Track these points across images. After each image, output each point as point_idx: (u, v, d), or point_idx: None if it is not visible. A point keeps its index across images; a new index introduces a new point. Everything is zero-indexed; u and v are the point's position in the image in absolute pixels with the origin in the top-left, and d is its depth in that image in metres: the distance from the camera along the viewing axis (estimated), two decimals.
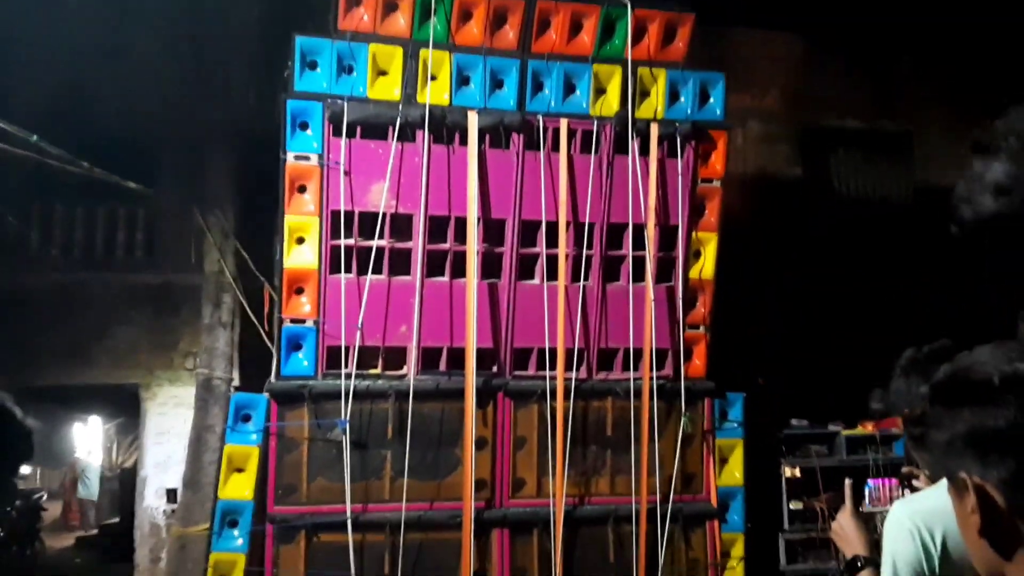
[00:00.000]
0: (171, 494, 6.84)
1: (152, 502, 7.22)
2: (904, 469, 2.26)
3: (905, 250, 7.91)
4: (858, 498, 2.18)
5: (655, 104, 5.61)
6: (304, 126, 5.21)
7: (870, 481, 5.79)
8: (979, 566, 1.06)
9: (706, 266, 5.76)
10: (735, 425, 5.81)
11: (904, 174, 8.66)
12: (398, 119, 5.20)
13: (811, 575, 6.14)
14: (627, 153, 5.53)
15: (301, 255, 5.20)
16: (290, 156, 5.19)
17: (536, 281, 5.53)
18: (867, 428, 6.36)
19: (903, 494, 2.29)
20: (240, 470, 5.10)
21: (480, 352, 5.32)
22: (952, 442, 1.05)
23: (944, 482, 1.91)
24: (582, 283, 5.55)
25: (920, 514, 1.88)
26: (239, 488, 5.08)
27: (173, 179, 7.16)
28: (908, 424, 1.92)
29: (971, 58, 7.96)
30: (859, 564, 2.01)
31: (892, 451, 6.16)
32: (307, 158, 5.20)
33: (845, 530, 2.08)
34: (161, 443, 7.29)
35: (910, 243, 7.97)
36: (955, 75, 8.17)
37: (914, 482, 2.20)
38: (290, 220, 5.20)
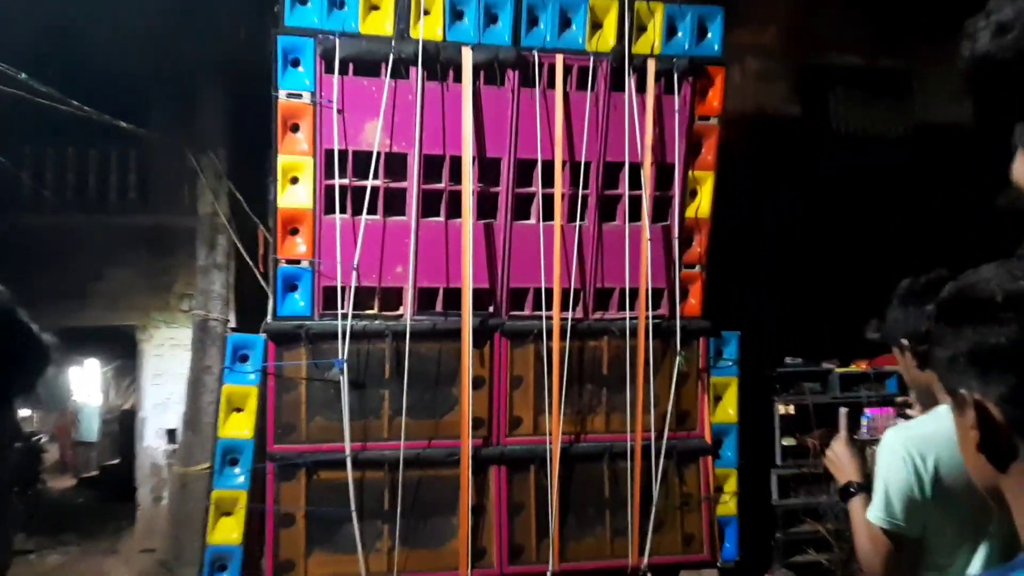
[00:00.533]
0: (171, 434, 6.91)
1: (152, 442, 7.29)
2: (899, 399, 2.29)
3: (903, 189, 7.88)
4: (854, 427, 2.21)
5: (652, 39, 5.52)
6: (296, 63, 5.12)
7: (867, 411, 5.87)
8: (976, 479, 1.09)
9: (702, 205, 5.74)
10: (730, 363, 5.85)
11: (904, 112, 8.58)
12: (391, 55, 5.12)
13: (802, 509, 6.26)
14: (624, 90, 5.46)
15: (295, 195, 5.16)
16: (282, 94, 5.11)
17: (532, 221, 5.51)
18: (860, 366, 6.43)
19: (898, 424, 2.32)
20: (239, 410, 5.15)
21: (476, 292, 5.33)
22: (955, 359, 1.06)
23: (937, 410, 1.94)
24: (578, 223, 5.53)
25: (913, 441, 1.90)
26: (238, 427, 5.12)
27: (165, 119, 7.07)
28: (913, 342, 1.93)
29: None
30: (852, 490, 2.04)
31: (885, 388, 6.23)
32: (299, 96, 5.13)
33: (839, 458, 2.11)
34: (159, 384, 7.33)
35: (909, 182, 7.94)
36: (956, 12, 8.04)
37: (908, 411, 2.23)
38: (283, 160, 5.15)
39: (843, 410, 2.20)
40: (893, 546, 1.89)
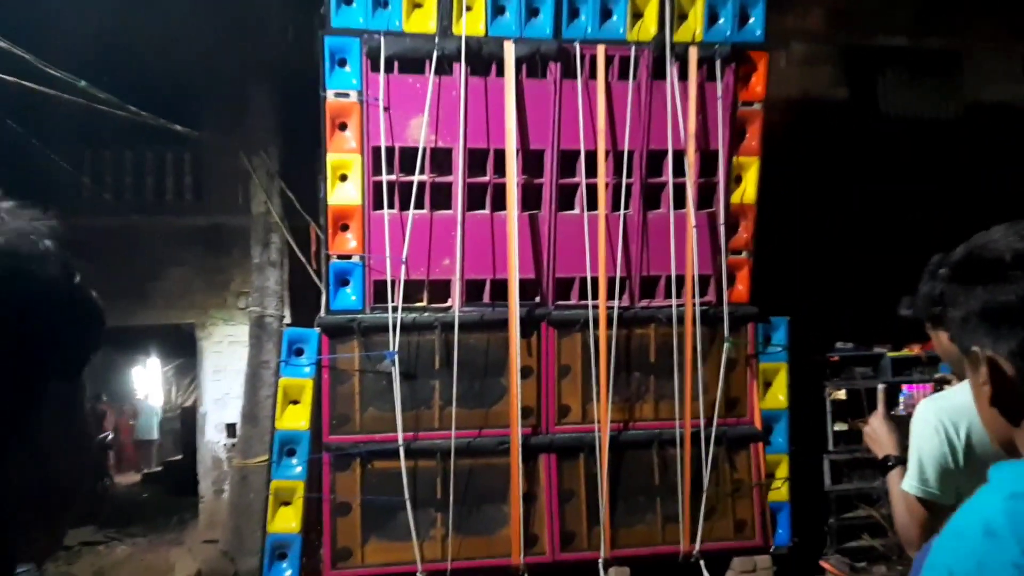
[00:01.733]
0: (230, 428, 7.10)
1: (213, 437, 7.51)
2: (937, 376, 2.31)
3: (954, 171, 7.75)
4: (892, 404, 2.24)
5: (693, 27, 5.53)
6: (343, 63, 5.24)
7: (905, 388, 5.81)
8: (991, 434, 1.13)
9: (748, 191, 5.73)
10: (779, 349, 5.83)
11: (953, 93, 8.42)
12: (435, 52, 5.21)
13: (856, 495, 6.22)
14: (665, 78, 5.48)
15: (345, 192, 5.29)
16: (330, 94, 5.24)
17: (576, 211, 5.55)
18: (913, 350, 6.35)
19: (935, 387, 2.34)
20: (295, 402, 5.29)
21: (523, 283, 5.40)
22: (967, 318, 1.10)
23: (968, 381, 1.96)
24: (622, 211, 5.56)
25: (945, 411, 1.93)
26: (295, 419, 5.27)
27: (217, 122, 7.27)
28: (927, 304, 1.96)
29: None
30: (889, 463, 2.07)
31: (938, 371, 6.15)
32: (346, 95, 5.25)
33: (877, 432, 2.14)
34: (218, 380, 7.54)
35: (959, 163, 7.80)
36: None
37: (946, 387, 2.24)
38: (332, 158, 5.27)
39: (881, 386, 2.23)
40: (928, 514, 1.92)
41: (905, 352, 6.37)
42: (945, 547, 0.51)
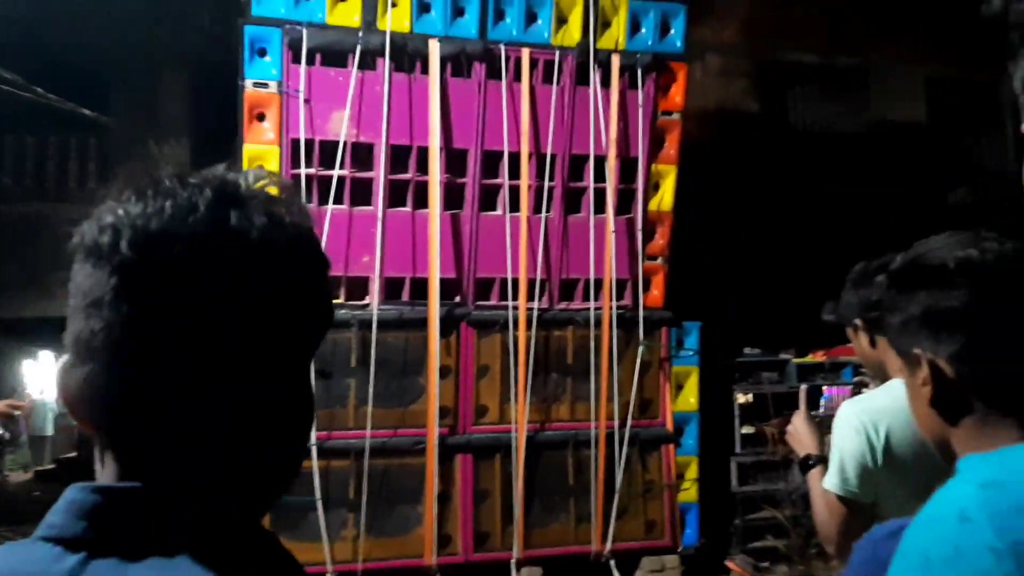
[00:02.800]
0: None
1: None
2: (856, 379, 2.40)
3: (859, 184, 8.08)
4: (813, 405, 2.32)
5: (616, 35, 5.62)
6: (262, 52, 5.13)
7: (826, 391, 6.05)
8: (926, 434, 1.18)
9: (665, 198, 5.85)
10: (691, 353, 5.98)
11: (859, 110, 8.78)
12: (358, 46, 5.15)
13: (761, 496, 6.41)
14: (589, 84, 5.55)
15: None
16: (248, 83, 5.12)
17: (498, 212, 5.57)
18: (817, 356, 6.59)
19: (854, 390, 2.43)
20: None
21: (443, 282, 5.38)
22: (908, 322, 1.15)
23: (889, 384, 2.04)
24: (544, 214, 5.60)
25: (867, 412, 2.02)
26: None
27: (127, 108, 6.99)
28: (864, 309, 2.04)
29: None
30: (811, 463, 2.15)
31: (840, 377, 6.40)
32: (266, 85, 5.13)
33: (799, 432, 2.21)
34: None
35: (864, 177, 8.14)
36: (909, 12, 8.26)
37: (864, 391, 2.33)
38: (249, 149, 5.15)
39: (803, 387, 2.30)
40: (847, 512, 1.99)
41: (810, 358, 6.60)
42: (920, 533, 0.53)
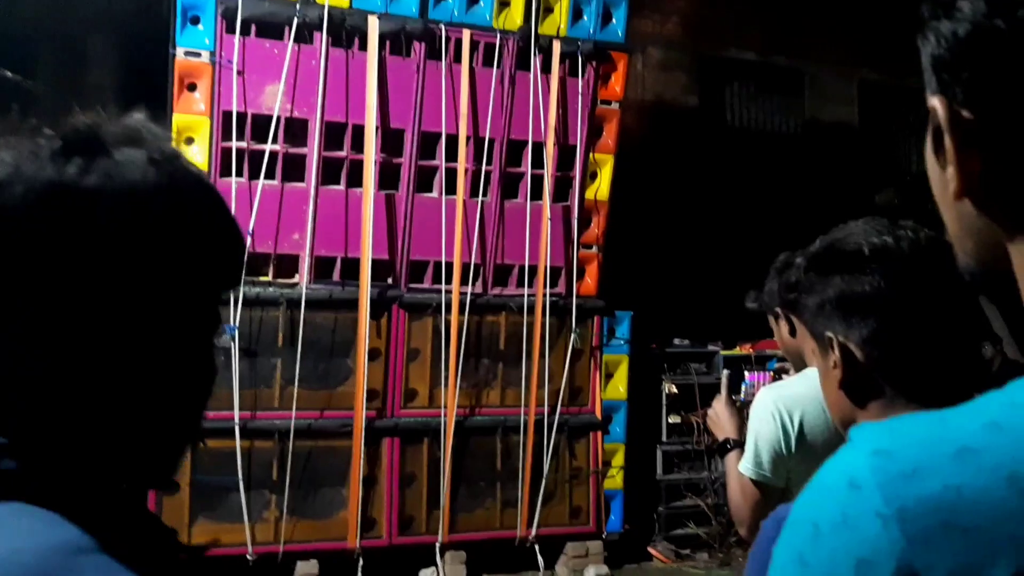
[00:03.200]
0: None
1: None
2: (776, 366, 2.43)
3: (792, 182, 8.24)
4: (734, 390, 2.36)
5: (558, 21, 5.61)
6: (195, 20, 4.98)
7: (747, 377, 6.17)
8: (835, 416, 1.20)
9: (601, 187, 5.88)
10: (622, 342, 6.03)
11: (794, 110, 8.94)
12: (295, 19, 5.03)
13: (685, 485, 6.51)
14: (529, 69, 5.53)
15: (191, 156, 5.01)
16: (179, 52, 4.97)
17: (434, 194, 5.52)
18: (744, 349, 6.71)
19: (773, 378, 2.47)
20: None
21: (375, 263, 5.32)
22: (822, 305, 1.17)
23: (805, 372, 2.08)
24: (480, 198, 5.57)
25: (782, 399, 2.05)
26: None
27: (51, 72, 6.72)
28: (783, 290, 2.07)
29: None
30: (729, 446, 2.18)
31: (765, 370, 6.52)
32: (198, 55, 4.99)
33: (719, 416, 2.24)
34: None
35: (797, 176, 8.30)
36: (845, 16, 8.44)
37: (784, 376, 2.37)
38: (179, 119, 5.00)
39: (725, 372, 2.33)
40: (760, 495, 2.03)
41: (737, 351, 6.71)
42: (809, 501, 0.52)
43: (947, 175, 0.55)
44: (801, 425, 2.01)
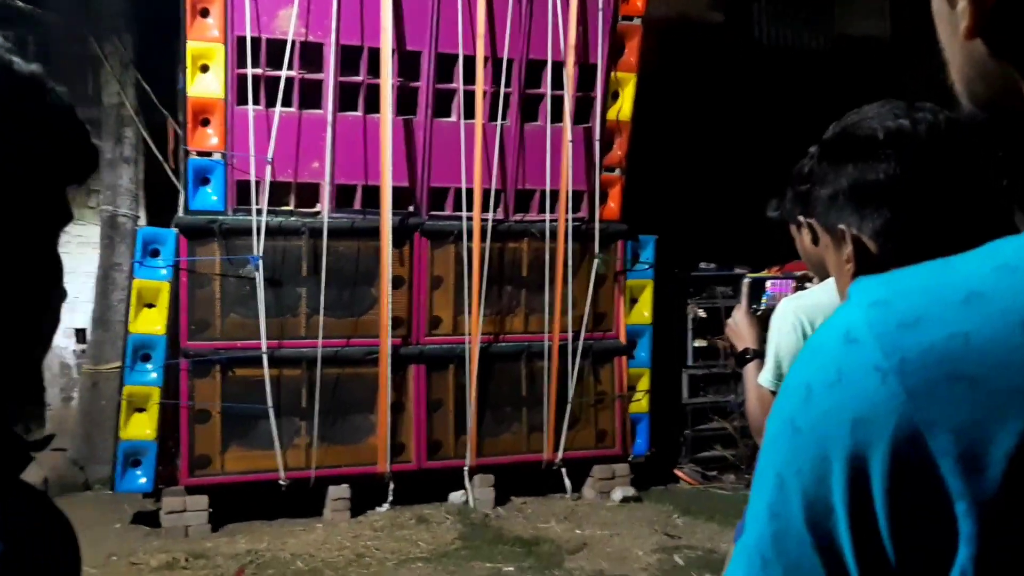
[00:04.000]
0: (80, 333, 6.71)
1: (61, 343, 7.06)
2: (798, 273, 2.37)
3: (821, 101, 8.01)
4: (755, 298, 2.30)
5: None
6: None
7: (768, 288, 6.10)
8: None
9: (624, 107, 5.75)
10: (646, 267, 5.97)
11: (823, 26, 8.65)
12: None
13: (711, 408, 6.52)
14: None
15: (205, 84, 4.96)
16: None
17: (453, 118, 5.43)
18: (772, 272, 6.62)
19: (796, 287, 2.42)
20: (150, 305, 5.02)
21: (396, 190, 5.27)
22: (835, 196, 1.09)
23: (827, 281, 2.02)
24: (500, 122, 5.47)
25: (803, 308, 2.00)
26: (150, 323, 5.01)
27: (65, 1, 6.63)
28: (794, 182, 1.99)
29: None
30: (747, 356, 2.14)
31: (787, 279, 6.44)
32: None
33: (739, 326, 2.19)
34: (67, 283, 7.07)
35: (826, 94, 8.06)
36: None
37: (807, 285, 2.30)
38: (192, 46, 4.92)
39: (745, 280, 2.28)
40: None
41: (764, 274, 6.62)
42: (803, 362, 0.48)
43: (957, 11, 0.49)
44: None
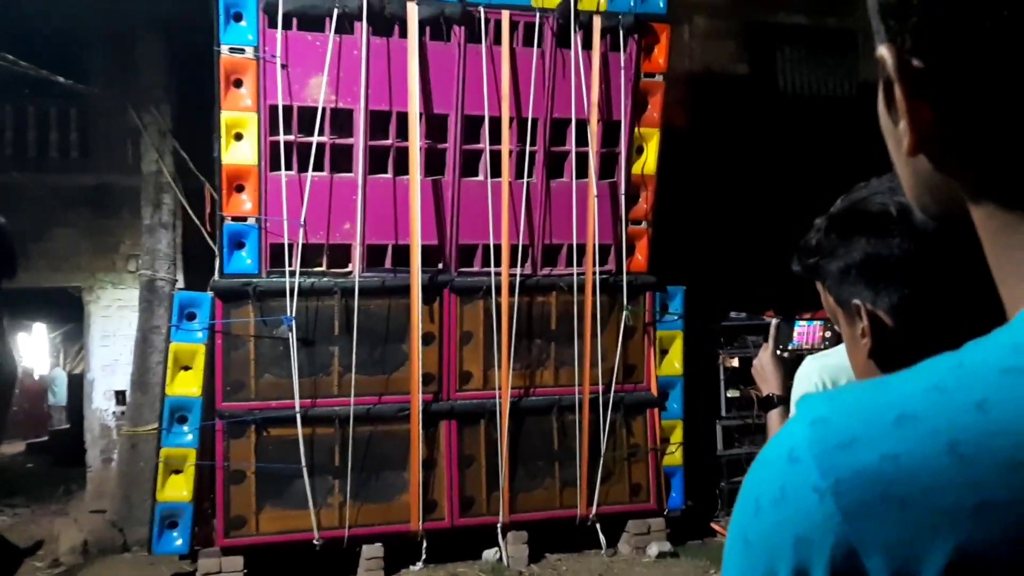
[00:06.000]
0: (120, 396, 6.85)
1: (101, 404, 7.22)
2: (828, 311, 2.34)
3: (848, 146, 8.02)
4: (784, 341, 2.27)
5: None
6: (238, 17, 5.05)
7: (796, 332, 6.03)
8: None
9: (648, 161, 5.81)
10: (675, 317, 5.97)
11: (849, 72, 8.70)
12: (335, 10, 5.07)
13: (746, 459, 6.43)
14: (570, 47, 5.48)
15: (240, 152, 5.12)
16: (224, 49, 5.05)
17: (480, 177, 5.53)
18: (792, 317, 6.58)
19: (826, 335, 2.40)
20: (187, 368, 5.13)
21: (425, 249, 5.36)
22: (846, 270, 1.09)
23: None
24: (526, 179, 5.56)
25: (828, 369, 2.00)
26: (186, 385, 5.11)
27: (106, 76, 6.89)
28: (801, 254, 1.98)
29: None
30: (772, 401, 2.13)
31: (816, 321, 6.38)
32: (242, 51, 5.07)
33: (764, 369, 2.18)
34: (107, 346, 7.24)
35: (853, 139, 8.08)
36: None
37: (836, 327, 2.27)
38: (227, 116, 5.09)
39: (773, 321, 2.26)
40: None
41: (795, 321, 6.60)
42: (753, 478, 0.51)
43: (899, 130, 0.52)
44: None
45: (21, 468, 12.03)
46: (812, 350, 2.18)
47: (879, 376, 1.08)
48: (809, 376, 2.01)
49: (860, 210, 1.09)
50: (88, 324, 7.45)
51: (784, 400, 2.09)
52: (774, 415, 2.11)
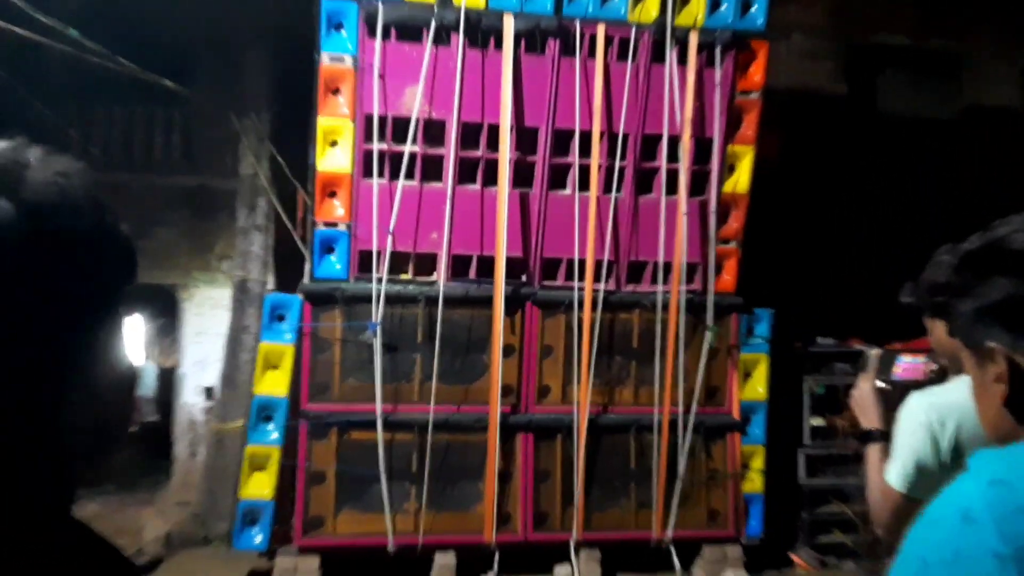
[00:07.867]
0: (209, 391, 7.06)
1: (190, 399, 7.45)
2: (936, 360, 2.24)
3: (949, 171, 7.74)
4: (885, 371, 2.18)
5: (695, 12, 5.48)
6: (339, 27, 5.18)
7: (900, 366, 5.82)
8: (993, 434, 1.05)
9: (741, 180, 5.70)
10: (761, 341, 5.83)
11: (952, 95, 8.40)
12: (433, 21, 5.14)
13: (830, 490, 6.24)
14: (664, 62, 5.43)
15: (334, 158, 5.23)
16: (324, 57, 5.17)
17: (568, 191, 5.52)
18: (894, 348, 6.36)
19: (931, 371, 2.30)
20: (274, 367, 5.25)
21: (510, 261, 5.37)
22: (982, 311, 1.03)
23: (963, 379, 1.93)
24: (614, 194, 5.52)
25: (936, 407, 1.91)
26: (274, 385, 5.23)
27: (209, 81, 7.15)
28: (926, 290, 1.89)
29: None
30: (873, 436, 2.04)
31: (920, 353, 6.15)
32: (341, 60, 5.18)
33: (863, 400, 2.10)
34: (199, 343, 7.48)
35: (953, 164, 7.79)
36: None
37: (941, 360, 2.16)
38: (323, 122, 5.21)
39: (875, 351, 2.18)
40: (904, 505, 1.90)
41: (897, 347, 6.37)
42: (920, 537, 0.48)
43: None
44: (956, 436, 1.86)
45: (110, 457, 12.48)
46: (918, 385, 2.09)
47: (1013, 425, 1.01)
48: (916, 414, 1.92)
49: (1001, 248, 1.02)
50: (182, 321, 7.71)
51: (885, 435, 2.01)
52: (874, 451, 2.03)
